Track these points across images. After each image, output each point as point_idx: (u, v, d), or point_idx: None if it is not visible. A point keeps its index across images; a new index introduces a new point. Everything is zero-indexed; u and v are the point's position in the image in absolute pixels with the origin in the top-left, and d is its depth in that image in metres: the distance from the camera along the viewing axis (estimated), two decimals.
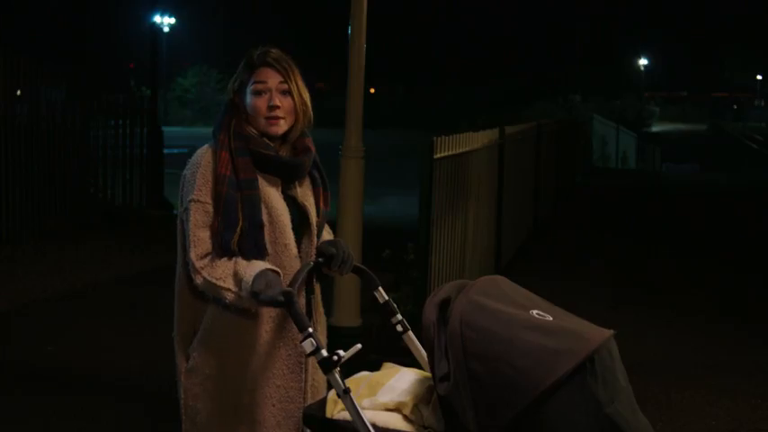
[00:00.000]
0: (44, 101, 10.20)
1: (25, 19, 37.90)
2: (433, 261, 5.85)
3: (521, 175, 9.90)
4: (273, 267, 2.49)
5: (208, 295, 2.54)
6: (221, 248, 2.50)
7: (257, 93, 2.60)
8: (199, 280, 2.50)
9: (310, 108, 2.67)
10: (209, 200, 2.52)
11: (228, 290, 2.46)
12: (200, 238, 2.51)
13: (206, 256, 2.50)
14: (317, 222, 2.70)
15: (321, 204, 2.74)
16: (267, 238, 2.55)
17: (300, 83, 2.63)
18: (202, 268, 2.49)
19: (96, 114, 11.32)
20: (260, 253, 2.53)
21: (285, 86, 2.60)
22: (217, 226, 2.50)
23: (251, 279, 2.42)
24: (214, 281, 2.47)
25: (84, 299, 7.44)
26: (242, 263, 2.49)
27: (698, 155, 34.43)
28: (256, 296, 2.40)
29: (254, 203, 2.53)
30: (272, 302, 2.39)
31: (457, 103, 43.44)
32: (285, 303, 2.38)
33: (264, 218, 2.55)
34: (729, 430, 4.89)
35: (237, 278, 2.46)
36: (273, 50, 2.64)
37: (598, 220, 13.42)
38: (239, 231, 2.50)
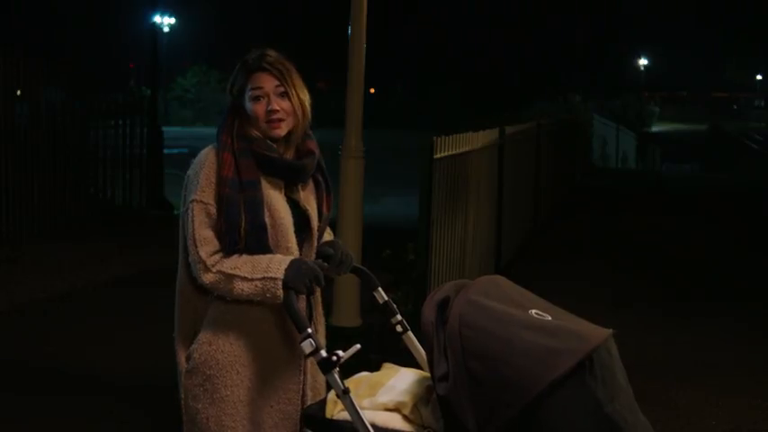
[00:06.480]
0: (44, 101, 10.19)
1: (24, 19, 37.89)
2: (433, 261, 5.85)
3: (521, 175, 9.90)
4: (304, 259, 2.56)
5: (213, 294, 2.55)
6: (229, 249, 2.51)
7: (255, 98, 2.60)
8: (209, 278, 2.50)
9: (309, 109, 2.67)
10: (211, 201, 2.53)
11: (244, 278, 2.47)
12: (205, 237, 2.51)
13: (216, 252, 2.51)
14: (318, 227, 2.70)
15: (324, 209, 2.74)
16: (270, 240, 2.56)
17: (298, 84, 2.63)
18: (215, 264, 2.49)
19: (96, 114, 11.32)
20: (265, 254, 2.53)
21: (282, 89, 2.60)
22: (220, 227, 2.51)
23: (283, 265, 2.47)
24: (229, 271, 2.48)
25: (84, 299, 7.44)
26: (263, 256, 2.52)
27: (698, 155, 34.37)
28: (285, 282, 2.45)
29: (256, 204, 2.53)
30: (298, 290, 2.47)
31: (456, 103, 43.41)
32: (307, 294, 2.50)
33: (267, 220, 2.55)
34: (729, 430, 4.89)
35: (256, 265, 2.48)
36: (269, 53, 2.63)
37: (598, 219, 13.42)
38: (242, 233, 2.50)
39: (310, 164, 2.69)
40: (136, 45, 36.24)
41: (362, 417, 2.27)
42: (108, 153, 11.39)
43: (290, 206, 2.63)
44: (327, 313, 5.17)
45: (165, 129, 13.29)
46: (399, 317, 2.76)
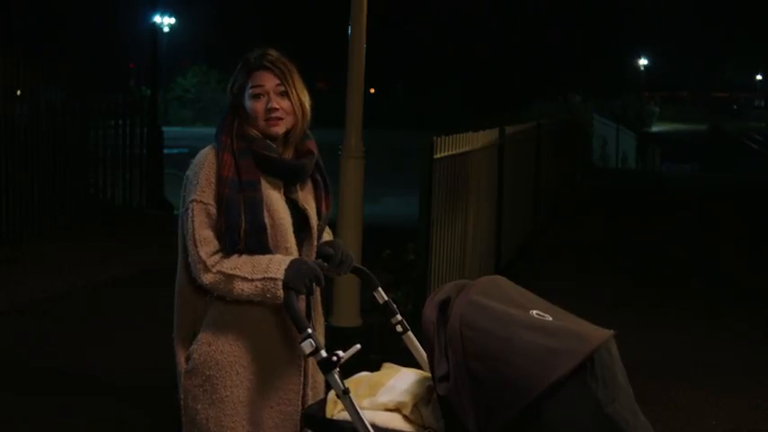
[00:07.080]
0: (44, 101, 10.20)
1: (24, 18, 37.90)
2: (432, 261, 5.85)
3: (521, 175, 9.90)
4: (304, 259, 2.56)
5: (212, 294, 2.55)
6: (228, 249, 2.51)
7: (255, 96, 2.60)
8: (209, 278, 2.50)
9: (309, 110, 2.67)
10: (211, 201, 2.53)
11: (244, 278, 2.47)
12: (205, 237, 2.51)
13: (216, 252, 2.51)
14: (317, 226, 2.70)
15: (323, 208, 2.74)
16: (269, 240, 2.56)
17: (298, 84, 2.63)
18: (215, 264, 2.49)
19: (96, 114, 11.32)
20: (265, 254, 2.53)
21: (282, 88, 2.60)
22: (219, 227, 2.51)
23: (283, 265, 2.47)
24: (230, 271, 2.48)
25: (84, 299, 7.44)
26: (263, 256, 2.52)
27: (698, 155, 34.38)
28: (286, 282, 2.45)
29: (255, 205, 2.53)
30: (297, 290, 2.47)
31: (456, 103, 43.42)
32: (307, 294, 2.50)
33: (266, 220, 2.55)
34: (729, 430, 4.89)
35: (256, 265, 2.48)
36: (271, 52, 2.63)
37: (598, 219, 13.42)
38: (242, 233, 2.50)
39: (309, 164, 2.69)
40: (136, 45, 36.23)
41: (362, 417, 2.27)
42: (108, 153, 11.40)
43: (289, 206, 2.63)
44: (327, 313, 5.17)
45: (165, 129, 13.30)
46: (399, 317, 2.76)
